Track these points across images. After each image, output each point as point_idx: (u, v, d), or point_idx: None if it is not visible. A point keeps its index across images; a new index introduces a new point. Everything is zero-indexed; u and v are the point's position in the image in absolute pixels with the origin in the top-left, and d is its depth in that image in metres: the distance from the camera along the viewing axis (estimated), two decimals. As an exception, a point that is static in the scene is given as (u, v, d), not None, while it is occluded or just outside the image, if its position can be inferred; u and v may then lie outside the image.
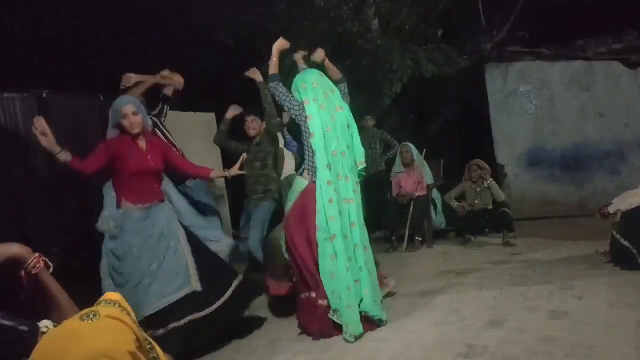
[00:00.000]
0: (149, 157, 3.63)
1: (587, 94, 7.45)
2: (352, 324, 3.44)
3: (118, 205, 3.57)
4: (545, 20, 7.20)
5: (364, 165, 3.79)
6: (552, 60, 7.61)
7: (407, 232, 6.36)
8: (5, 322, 1.38)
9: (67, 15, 5.44)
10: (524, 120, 7.75)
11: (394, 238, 6.52)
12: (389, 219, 6.69)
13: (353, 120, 3.79)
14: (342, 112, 3.70)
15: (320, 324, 3.52)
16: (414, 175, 6.64)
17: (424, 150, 6.76)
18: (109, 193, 3.65)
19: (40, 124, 3.14)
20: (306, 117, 3.63)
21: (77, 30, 5.61)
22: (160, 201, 3.69)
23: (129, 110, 3.56)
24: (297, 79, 3.78)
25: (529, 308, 3.63)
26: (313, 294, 3.58)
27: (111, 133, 3.67)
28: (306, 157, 3.69)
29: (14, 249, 1.47)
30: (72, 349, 1.14)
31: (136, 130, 3.57)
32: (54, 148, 3.21)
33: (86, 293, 2.08)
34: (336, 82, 3.86)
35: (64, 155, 3.25)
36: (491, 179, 6.44)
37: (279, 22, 6.52)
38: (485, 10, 7.68)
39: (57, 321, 1.42)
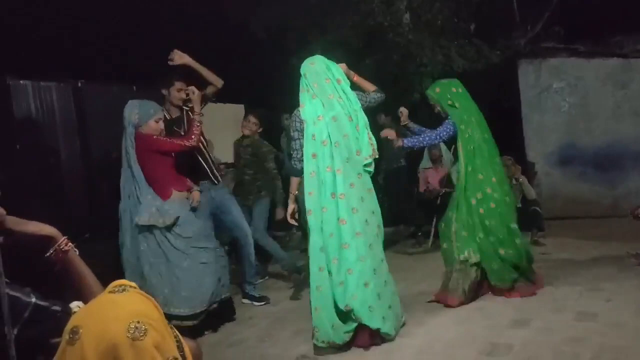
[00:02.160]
0: None
1: (622, 92, 7.26)
2: (320, 328, 3.24)
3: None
4: (581, 16, 7.02)
5: (370, 160, 3.43)
6: (587, 57, 7.42)
7: (433, 228, 6.32)
8: (41, 303, 1.46)
9: (106, 4, 5.54)
10: (556, 117, 7.58)
11: (420, 234, 6.50)
12: (415, 214, 6.66)
13: (362, 113, 3.48)
14: (342, 103, 3.42)
15: None
16: (442, 171, 6.60)
17: (453, 146, 6.68)
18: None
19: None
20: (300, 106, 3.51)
21: (113, 21, 5.71)
22: None
23: (161, 115, 3.86)
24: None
25: (556, 309, 3.59)
26: None
27: (130, 130, 3.75)
28: None
29: (48, 228, 1.56)
30: (111, 314, 1.18)
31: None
32: None
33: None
34: (367, 93, 3.65)
35: None
36: (523, 176, 6.35)
37: (311, 15, 6.53)
38: (519, 5, 7.54)
39: (86, 302, 1.49)
